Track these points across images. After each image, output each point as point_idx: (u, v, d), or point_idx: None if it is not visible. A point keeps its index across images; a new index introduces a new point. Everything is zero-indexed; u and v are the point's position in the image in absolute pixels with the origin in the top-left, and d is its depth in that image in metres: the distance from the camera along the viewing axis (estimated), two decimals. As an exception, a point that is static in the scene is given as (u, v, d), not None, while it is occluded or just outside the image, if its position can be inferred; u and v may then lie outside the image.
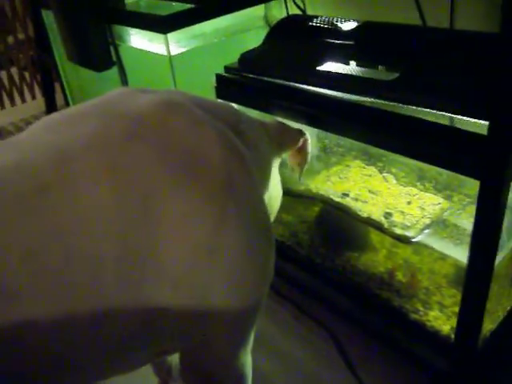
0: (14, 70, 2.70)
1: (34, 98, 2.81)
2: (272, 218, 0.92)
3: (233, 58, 1.27)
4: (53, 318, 0.55)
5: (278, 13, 1.58)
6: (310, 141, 0.97)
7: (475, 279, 0.89)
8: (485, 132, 0.77)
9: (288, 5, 1.57)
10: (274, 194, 0.90)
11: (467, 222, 1.12)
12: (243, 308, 0.69)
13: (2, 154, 0.61)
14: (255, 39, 1.34)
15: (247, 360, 0.77)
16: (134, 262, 0.58)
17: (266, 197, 0.84)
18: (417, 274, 1.18)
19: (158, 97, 0.68)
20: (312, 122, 1.09)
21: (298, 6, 1.55)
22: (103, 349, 0.62)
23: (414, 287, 1.16)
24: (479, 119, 0.83)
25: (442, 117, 0.89)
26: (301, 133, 0.95)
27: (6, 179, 0.56)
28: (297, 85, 1.10)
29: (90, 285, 0.56)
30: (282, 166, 0.99)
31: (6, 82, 2.69)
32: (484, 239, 0.84)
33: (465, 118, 0.86)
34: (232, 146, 0.69)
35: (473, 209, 0.83)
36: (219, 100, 1.24)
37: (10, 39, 2.66)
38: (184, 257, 0.61)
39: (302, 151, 0.97)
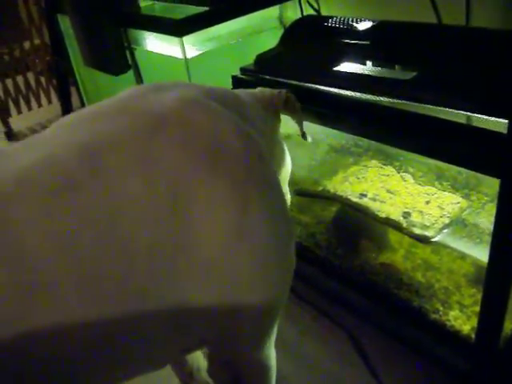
0: (30, 75, 2.73)
1: (50, 102, 2.83)
2: (284, 188, 0.94)
3: (248, 59, 1.27)
4: (88, 308, 0.56)
5: (293, 14, 1.58)
6: (293, 95, 0.96)
7: (496, 278, 0.88)
8: (504, 130, 0.77)
9: (302, 5, 1.57)
10: (283, 164, 0.93)
11: (486, 221, 1.11)
12: (270, 295, 0.71)
13: (27, 152, 0.62)
14: (270, 40, 1.35)
15: (271, 353, 0.79)
16: (166, 249, 0.60)
17: (278, 170, 0.87)
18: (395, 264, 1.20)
19: (175, 95, 0.70)
20: (330, 123, 1.09)
21: (313, 7, 1.55)
22: (137, 342, 0.63)
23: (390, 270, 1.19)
24: (498, 118, 0.82)
25: (459, 115, 0.88)
26: (283, 90, 0.95)
27: (37, 176, 0.58)
28: (313, 86, 1.10)
29: (124, 275, 0.58)
30: (295, 164, 0.98)
31: (22, 86, 2.72)
32: (505, 238, 0.84)
33: (483, 116, 0.86)
34: (247, 135, 0.71)
35: (492, 207, 0.83)
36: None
37: (27, 44, 2.68)
38: (213, 241, 0.62)
39: (291, 106, 0.96)
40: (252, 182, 0.67)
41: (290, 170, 0.97)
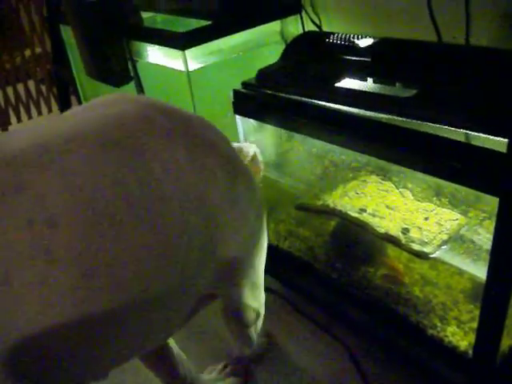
0: (30, 83, 2.74)
1: (50, 110, 2.84)
2: None
3: (250, 73, 1.28)
4: (146, 243, 0.67)
5: (295, 29, 1.60)
6: (259, 152, 1.08)
7: (494, 295, 0.89)
8: (502, 149, 0.78)
9: (304, 21, 1.59)
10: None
11: (484, 238, 1.12)
12: (261, 252, 0.98)
13: (59, 122, 0.73)
14: (272, 55, 1.36)
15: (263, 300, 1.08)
16: (196, 208, 0.75)
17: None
18: (398, 266, 1.22)
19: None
20: (329, 138, 1.10)
21: (314, 23, 1.56)
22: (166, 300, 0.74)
23: (395, 279, 1.22)
24: (498, 136, 0.83)
25: (459, 134, 0.89)
26: (249, 146, 1.08)
27: (81, 135, 0.68)
28: (314, 101, 1.11)
29: (165, 225, 0.70)
30: (295, 178, 0.99)
31: (22, 94, 2.73)
32: (504, 255, 0.84)
33: (482, 135, 0.87)
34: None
35: (489, 224, 0.83)
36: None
37: (28, 52, 2.70)
38: (222, 202, 0.80)
39: (254, 162, 1.08)
40: (238, 163, 0.89)
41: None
